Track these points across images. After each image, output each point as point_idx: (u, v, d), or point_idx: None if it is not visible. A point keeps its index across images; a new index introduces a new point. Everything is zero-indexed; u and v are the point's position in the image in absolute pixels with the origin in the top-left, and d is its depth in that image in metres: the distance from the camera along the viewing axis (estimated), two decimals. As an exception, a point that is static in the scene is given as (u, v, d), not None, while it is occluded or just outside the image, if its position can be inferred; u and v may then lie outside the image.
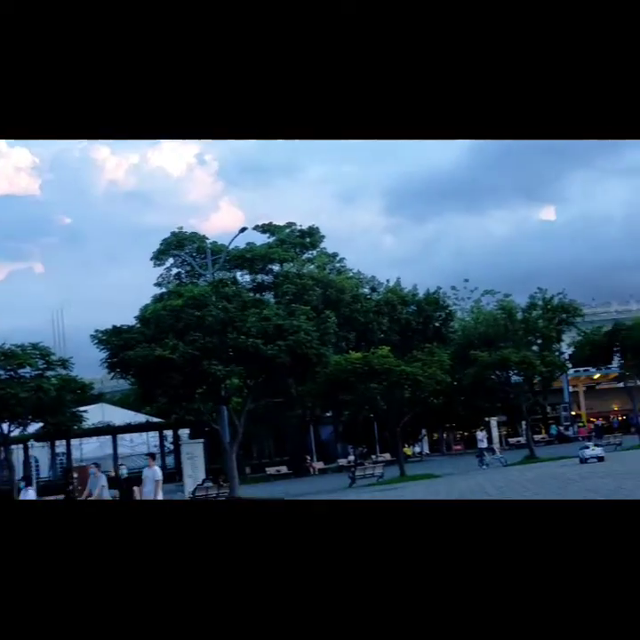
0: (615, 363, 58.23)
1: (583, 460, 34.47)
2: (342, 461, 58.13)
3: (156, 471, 21.54)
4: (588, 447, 36.83)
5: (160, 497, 21.09)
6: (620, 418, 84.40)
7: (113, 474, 39.46)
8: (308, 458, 62.54)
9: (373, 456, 59.62)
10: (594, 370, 75.94)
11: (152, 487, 21.05)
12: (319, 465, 61.45)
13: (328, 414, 65.75)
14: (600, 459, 34.42)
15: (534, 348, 60.90)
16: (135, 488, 21.91)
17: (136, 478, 23.19)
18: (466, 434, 76.44)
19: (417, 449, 73.33)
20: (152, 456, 23.41)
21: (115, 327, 35.90)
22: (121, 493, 22.01)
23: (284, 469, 58.16)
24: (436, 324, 69.88)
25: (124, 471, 23.44)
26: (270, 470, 57.88)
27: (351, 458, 58.52)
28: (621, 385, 58.85)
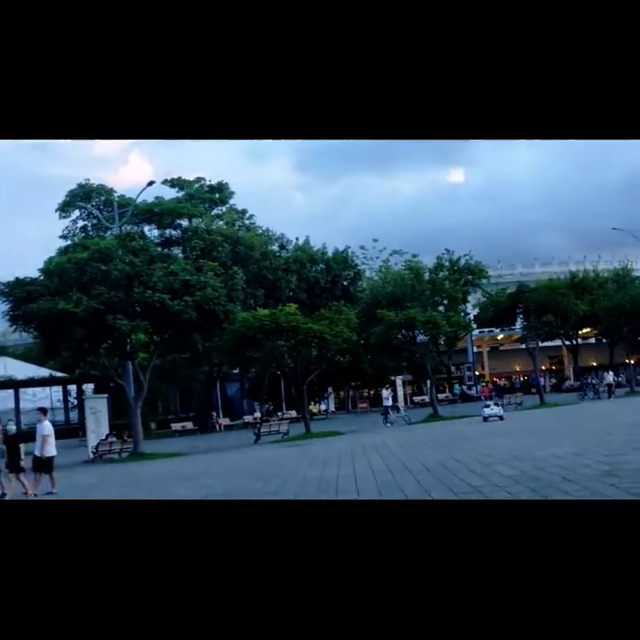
0: (518, 324, 59.36)
1: (485, 419, 35.22)
2: (248, 418, 58.33)
3: (44, 426, 21.16)
4: (488, 406, 37.61)
5: (49, 452, 20.69)
6: (521, 378, 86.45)
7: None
8: (214, 414, 62.54)
9: (279, 413, 59.91)
10: (497, 331, 77.45)
11: (40, 442, 20.73)
12: (225, 421, 61.58)
13: (235, 371, 65.75)
14: (500, 417, 35.19)
15: (440, 308, 61.64)
16: (21, 445, 21.54)
17: (32, 433, 22.82)
18: (371, 392, 77.28)
19: (323, 407, 73.92)
20: (43, 411, 22.91)
21: (17, 279, 35.21)
22: (8, 449, 21.60)
23: (189, 425, 58.13)
24: (345, 283, 70.23)
25: (11, 427, 22.94)
26: (176, 426, 57.83)
27: (257, 415, 58.69)
28: (523, 346, 60.03)
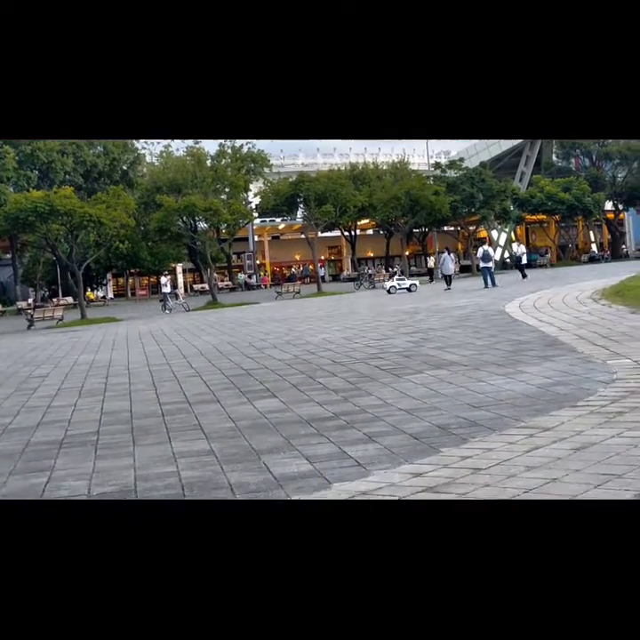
0: (299, 214, 60.03)
1: (388, 291, 40.42)
2: (22, 304, 56.41)
3: None
4: (402, 279, 43.26)
5: None
6: (301, 267, 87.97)
7: None
8: (-15, 300, 60.27)
9: (55, 299, 58.42)
10: (279, 220, 78.16)
11: None
12: (-3, 308, 59.50)
13: (7, 255, 63.40)
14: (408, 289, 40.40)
15: (222, 196, 61.33)
16: None
17: None
18: (152, 279, 76.59)
19: (101, 293, 72.84)
20: None
21: None
22: None
23: (-43, 311, 55.78)
24: (124, 168, 68.60)
25: None
26: (-58, 312, 55.37)
27: (31, 301, 56.96)
28: (303, 236, 60.81)
